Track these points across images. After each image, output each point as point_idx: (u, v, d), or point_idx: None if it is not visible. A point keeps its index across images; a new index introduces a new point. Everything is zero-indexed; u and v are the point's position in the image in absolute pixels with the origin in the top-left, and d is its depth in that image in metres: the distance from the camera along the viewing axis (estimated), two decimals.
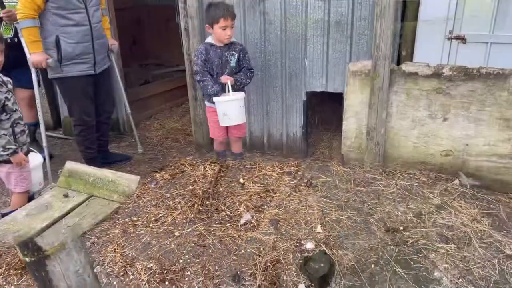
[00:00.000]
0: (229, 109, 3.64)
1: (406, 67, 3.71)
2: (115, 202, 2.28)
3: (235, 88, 3.72)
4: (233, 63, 3.71)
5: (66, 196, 2.33)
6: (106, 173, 2.40)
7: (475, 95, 3.51)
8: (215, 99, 3.64)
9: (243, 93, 3.84)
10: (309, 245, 2.56)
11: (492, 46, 3.47)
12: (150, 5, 8.14)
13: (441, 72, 3.57)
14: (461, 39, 3.53)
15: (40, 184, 3.48)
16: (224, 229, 2.69)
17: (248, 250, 2.55)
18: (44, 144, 4.07)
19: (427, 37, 3.65)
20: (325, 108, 5.54)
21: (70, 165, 2.49)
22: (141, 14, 8.10)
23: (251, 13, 4.23)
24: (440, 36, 3.58)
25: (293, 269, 2.42)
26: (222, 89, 3.67)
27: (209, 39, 3.70)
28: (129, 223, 2.55)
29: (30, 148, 3.25)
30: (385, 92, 3.73)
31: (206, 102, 3.97)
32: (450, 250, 2.65)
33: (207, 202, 2.85)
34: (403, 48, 3.84)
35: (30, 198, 3.27)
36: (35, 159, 3.45)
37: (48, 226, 1.99)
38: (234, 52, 3.71)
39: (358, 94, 3.97)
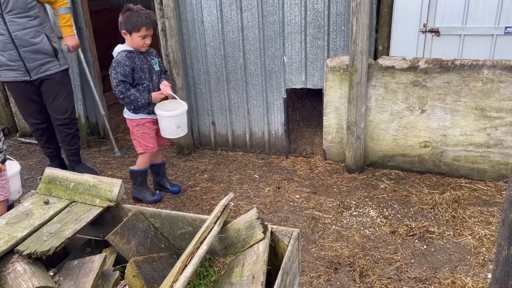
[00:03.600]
0: (183, 120, 3.48)
1: (383, 61, 3.77)
2: (97, 207, 2.25)
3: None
4: (157, 67, 3.52)
5: (46, 203, 2.29)
6: (87, 178, 2.37)
7: (450, 86, 3.59)
8: (170, 113, 3.38)
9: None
10: None
11: (465, 38, 3.55)
12: None
13: (417, 65, 3.64)
14: (435, 32, 3.60)
15: (18, 192, 3.41)
16: None
17: None
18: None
19: (402, 31, 3.72)
20: (305, 105, 5.57)
21: (49, 171, 2.45)
22: (117, 16, 7.97)
23: (229, 12, 4.22)
24: (415, 29, 3.65)
25: None
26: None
27: (125, 46, 3.39)
28: None
29: (6, 156, 3.18)
30: (364, 86, 3.78)
31: (131, 115, 3.51)
32: None
33: None
34: (380, 42, 3.90)
35: (10, 207, 3.21)
36: (13, 167, 3.38)
37: (29, 234, 1.96)
38: (153, 57, 3.53)
39: (337, 89, 4.01)
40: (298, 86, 4.29)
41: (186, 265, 1.71)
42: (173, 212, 2.21)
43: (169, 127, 3.45)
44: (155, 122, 3.53)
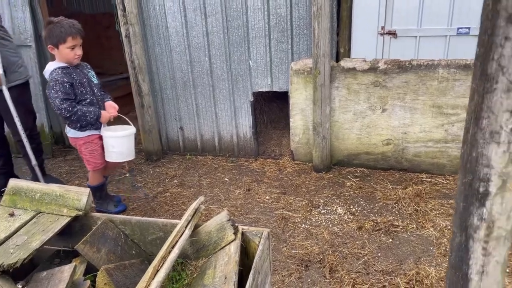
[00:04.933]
0: (131, 142, 3.34)
1: (345, 63, 3.89)
2: (65, 217, 2.22)
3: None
4: (95, 80, 3.37)
5: (11, 215, 2.24)
6: (53, 188, 2.33)
7: (409, 86, 3.76)
8: (118, 133, 3.27)
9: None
10: None
11: (420, 39, 3.73)
12: (86, 13, 7.90)
13: (377, 66, 3.79)
14: (393, 34, 3.76)
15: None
16: None
17: None
18: None
19: (362, 34, 3.86)
20: (273, 107, 5.66)
21: (14, 182, 2.39)
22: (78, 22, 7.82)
23: (193, 17, 4.24)
24: (374, 32, 3.79)
25: None
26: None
27: (57, 63, 3.18)
28: None
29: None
30: (327, 88, 3.89)
31: (77, 133, 3.31)
32: None
33: None
34: (341, 45, 4.02)
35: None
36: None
37: None
38: (89, 70, 3.38)
39: (302, 91, 4.11)
40: (264, 89, 4.35)
41: (158, 270, 1.73)
42: (144, 218, 2.21)
43: (112, 149, 3.28)
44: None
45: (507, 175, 0.98)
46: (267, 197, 3.78)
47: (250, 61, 4.24)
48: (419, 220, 3.24)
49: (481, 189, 1.02)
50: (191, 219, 2.05)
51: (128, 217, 2.23)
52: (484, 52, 0.94)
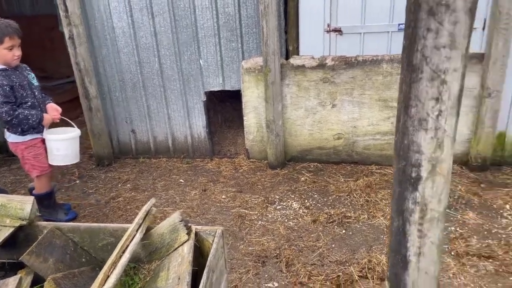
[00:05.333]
0: (76, 144, 3.25)
1: (294, 60, 3.96)
2: (8, 227, 2.12)
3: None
4: (35, 82, 3.25)
5: None
6: None
7: (356, 81, 3.88)
8: (63, 136, 3.18)
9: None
10: None
11: (365, 36, 3.86)
12: (28, 15, 7.53)
13: (325, 63, 3.88)
14: (338, 31, 3.86)
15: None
16: None
17: None
18: None
19: (309, 32, 3.93)
20: (226, 107, 5.66)
21: None
22: (19, 25, 7.45)
23: (140, 17, 4.16)
24: (320, 29, 3.88)
25: None
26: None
27: None
28: None
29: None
30: (278, 85, 3.94)
31: (18, 138, 3.19)
32: None
33: None
34: (290, 43, 4.08)
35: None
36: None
37: None
38: (29, 72, 3.25)
39: (254, 89, 4.14)
40: (216, 89, 4.34)
41: (108, 276, 1.69)
42: (93, 224, 2.15)
43: (57, 152, 3.17)
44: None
45: (435, 160, 1.04)
46: (223, 197, 3.78)
47: (200, 61, 4.22)
48: (370, 210, 3.36)
49: (413, 174, 1.07)
50: (142, 222, 2.02)
51: (77, 224, 2.16)
52: (409, 44, 0.99)
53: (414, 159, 1.06)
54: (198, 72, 4.27)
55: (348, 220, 3.28)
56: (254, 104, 4.20)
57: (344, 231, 3.16)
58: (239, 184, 3.97)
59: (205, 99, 4.38)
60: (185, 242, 1.96)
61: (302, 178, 3.98)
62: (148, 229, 2.06)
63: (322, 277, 2.66)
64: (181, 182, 4.13)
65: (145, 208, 2.07)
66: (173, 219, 2.03)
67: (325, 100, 4.01)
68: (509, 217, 3.17)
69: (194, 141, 4.58)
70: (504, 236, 2.97)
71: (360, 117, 3.99)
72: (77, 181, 4.31)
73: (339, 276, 2.66)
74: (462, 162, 3.92)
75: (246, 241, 3.12)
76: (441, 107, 0.99)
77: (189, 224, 2.02)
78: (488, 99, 3.56)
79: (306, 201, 3.60)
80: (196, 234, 2.03)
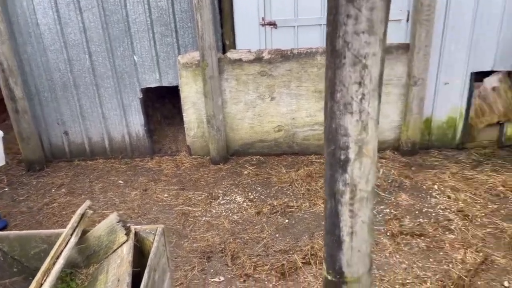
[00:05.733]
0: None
1: (231, 54, 3.96)
2: None
3: None
4: None
5: None
6: None
7: (292, 73, 3.95)
8: None
9: None
10: None
11: (298, 29, 3.94)
12: None
13: (261, 56, 3.92)
14: (273, 24, 3.91)
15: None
16: None
17: None
18: None
19: (244, 25, 3.94)
20: (165, 103, 5.53)
21: None
22: None
23: (66, 13, 3.94)
24: (255, 23, 3.90)
25: None
26: None
27: None
28: None
29: None
30: (217, 80, 3.92)
31: None
32: None
33: None
34: (226, 37, 4.07)
35: None
36: None
37: None
38: None
39: (192, 85, 4.09)
40: (153, 85, 4.23)
41: (41, 285, 1.60)
42: (23, 232, 2.02)
43: None
44: None
45: (361, 142, 1.09)
46: (166, 195, 3.71)
47: (134, 57, 4.09)
48: (311, 199, 3.45)
49: (342, 157, 1.11)
50: (77, 225, 1.93)
51: (6, 232, 2.02)
52: (331, 31, 1.02)
53: (342, 142, 1.10)
54: (132, 69, 4.14)
55: (291, 209, 3.35)
56: (193, 100, 4.15)
57: (287, 221, 3.22)
58: (181, 182, 3.92)
59: (141, 96, 4.26)
60: (124, 242, 1.90)
61: (245, 172, 4.00)
62: (84, 232, 1.97)
63: (267, 267, 2.70)
64: (120, 183, 3.99)
65: (79, 211, 1.98)
66: (110, 220, 1.96)
67: (264, 93, 4.05)
68: (438, 196, 3.40)
69: (132, 140, 4.44)
70: (433, 214, 3.18)
71: (299, 109, 4.08)
72: (6, 189, 4.02)
73: (283, 264, 2.71)
74: (394, 147, 4.15)
75: (191, 238, 3.09)
76: (364, 91, 1.03)
77: (128, 225, 1.96)
78: (414, 87, 3.79)
79: (250, 194, 3.63)
80: (136, 234, 1.98)
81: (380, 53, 1.01)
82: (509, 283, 2.53)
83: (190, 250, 2.95)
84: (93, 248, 1.95)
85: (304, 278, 2.62)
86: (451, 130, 4.15)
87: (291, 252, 2.85)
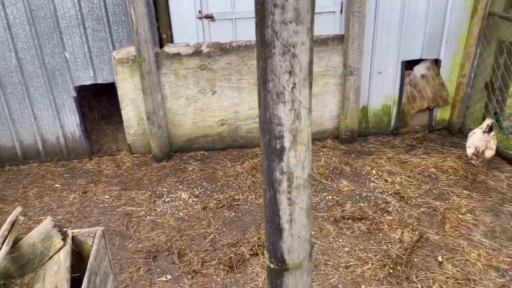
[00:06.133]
0: None
1: (169, 48, 3.87)
2: None
3: None
4: None
5: None
6: None
7: (232, 67, 3.95)
8: None
9: None
10: None
11: (236, 22, 3.93)
12: None
13: (200, 50, 3.87)
14: (210, 17, 3.87)
15: None
16: None
17: None
18: None
19: (181, 19, 3.86)
20: (102, 102, 5.31)
21: None
22: None
23: None
24: (192, 16, 3.84)
25: None
26: None
27: None
28: None
29: None
30: (155, 75, 3.82)
31: None
32: None
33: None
34: (162, 31, 3.97)
35: None
36: None
37: None
38: None
39: (130, 81, 3.96)
40: (88, 83, 4.04)
41: None
42: None
43: None
44: None
45: (295, 130, 1.10)
46: (107, 197, 3.57)
47: (65, 53, 3.87)
48: (256, 191, 3.48)
49: (277, 146, 1.12)
50: (8, 234, 1.81)
51: None
52: (260, 20, 1.02)
53: (277, 131, 1.11)
54: (64, 66, 3.93)
55: (237, 202, 3.36)
56: (132, 96, 4.02)
57: (234, 214, 3.23)
58: (123, 182, 3.79)
59: (75, 94, 4.06)
60: (61, 248, 1.82)
61: (190, 168, 3.95)
62: (17, 240, 1.86)
63: (215, 261, 2.70)
64: (57, 187, 3.79)
65: (10, 218, 1.86)
66: (44, 226, 1.86)
67: (205, 88, 4.01)
68: (376, 180, 3.57)
69: (68, 141, 4.23)
70: (373, 198, 3.33)
71: (241, 102, 4.08)
72: None
73: (231, 257, 2.71)
74: (334, 136, 4.28)
75: (135, 239, 3.00)
76: (295, 80, 1.05)
77: (64, 229, 1.87)
78: (350, 76, 3.93)
79: (195, 189, 3.59)
80: (74, 238, 1.89)
81: (308, 42, 1.03)
82: (442, 257, 2.71)
83: (135, 251, 2.87)
84: (28, 256, 1.84)
85: (252, 269, 2.65)
86: (386, 117, 4.36)
87: (238, 244, 2.86)
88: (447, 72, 4.21)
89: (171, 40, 3.98)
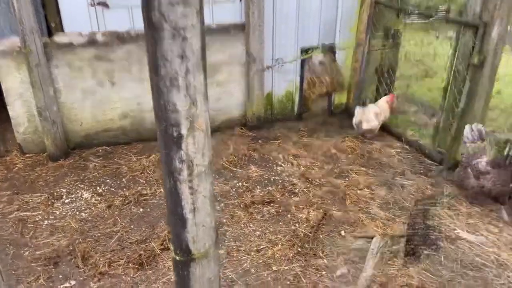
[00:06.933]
0: None
1: (59, 38, 3.57)
2: None
3: None
4: None
5: None
6: None
7: (132, 56, 3.76)
8: None
9: None
10: None
11: (133, 9, 3.74)
12: None
13: (95, 39, 3.62)
14: (104, 5, 3.62)
15: None
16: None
17: None
18: None
19: (70, 6, 3.56)
20: None
21: None
22: None
23: None
24: (83, 3, 3.56)
25: None
26: None
27: None
28: None
29: None
30: (45, 67, 3.50)
31: None
32: None
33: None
34: (50, 19, 3.62)
35: None
36: None
37: None
38: None
39: (16, 74, 3.58)
40: None
41: None
42: None
43: None
44: None
45: (192, 116, 1.08)
46: None
47: None
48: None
49: (175, 134, 1.09)
50: None
51: None
52: (147, 2, 0.97)
53: (173, 118, 1.07)
54: None
55: (145, 197, 3.24)
56: (19, 91, 3.64)
57: (142, 209, 3.11)
58: (14, 185, 3.44)
59: None
60: None
61: (91, 165, 3.71)
62: None
63: (123, 260, 2.58)
64: None
65: None
66: None
67: (103, 79, 3.78)
68: (283, 164, 3.69)
69: None
70: (280, 181, 3.45)
71: (144, 93, 3.92)
72: None
73: (140, 255, 2.61)
74: (242, 123, 4.33)
75: (32, 246, 2.75)
76: (188, 64, 1.02)
77: None
78: (253, 64, 3.98)
79: (98, 188, 3.38)
80: None
81: (199, 24, 1.00)
82: (344, 232, 2.90)
83: (32, 259, 2.62)
84: None
85: (164, 264, 2.58)
86: (290, 103, 4.52)
87: (148, 241, 2.76)
88: (342, 59, 4.48)
89: (61, 29, 3.65)
